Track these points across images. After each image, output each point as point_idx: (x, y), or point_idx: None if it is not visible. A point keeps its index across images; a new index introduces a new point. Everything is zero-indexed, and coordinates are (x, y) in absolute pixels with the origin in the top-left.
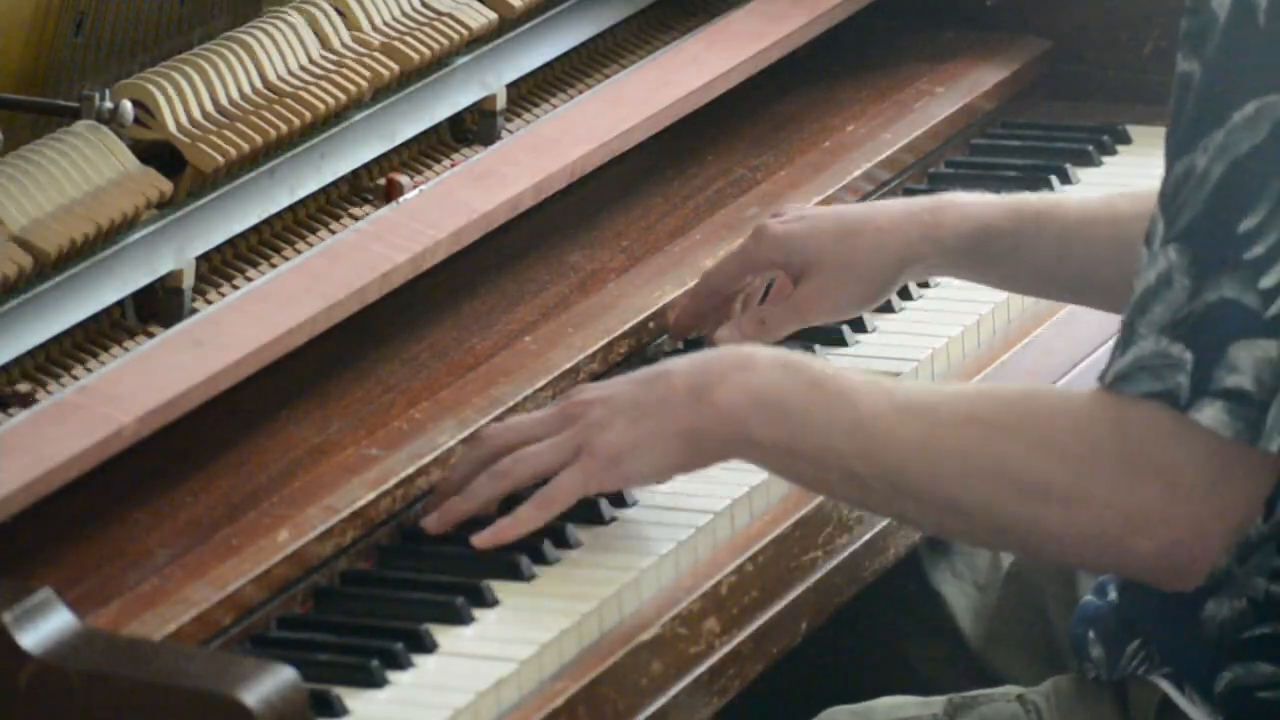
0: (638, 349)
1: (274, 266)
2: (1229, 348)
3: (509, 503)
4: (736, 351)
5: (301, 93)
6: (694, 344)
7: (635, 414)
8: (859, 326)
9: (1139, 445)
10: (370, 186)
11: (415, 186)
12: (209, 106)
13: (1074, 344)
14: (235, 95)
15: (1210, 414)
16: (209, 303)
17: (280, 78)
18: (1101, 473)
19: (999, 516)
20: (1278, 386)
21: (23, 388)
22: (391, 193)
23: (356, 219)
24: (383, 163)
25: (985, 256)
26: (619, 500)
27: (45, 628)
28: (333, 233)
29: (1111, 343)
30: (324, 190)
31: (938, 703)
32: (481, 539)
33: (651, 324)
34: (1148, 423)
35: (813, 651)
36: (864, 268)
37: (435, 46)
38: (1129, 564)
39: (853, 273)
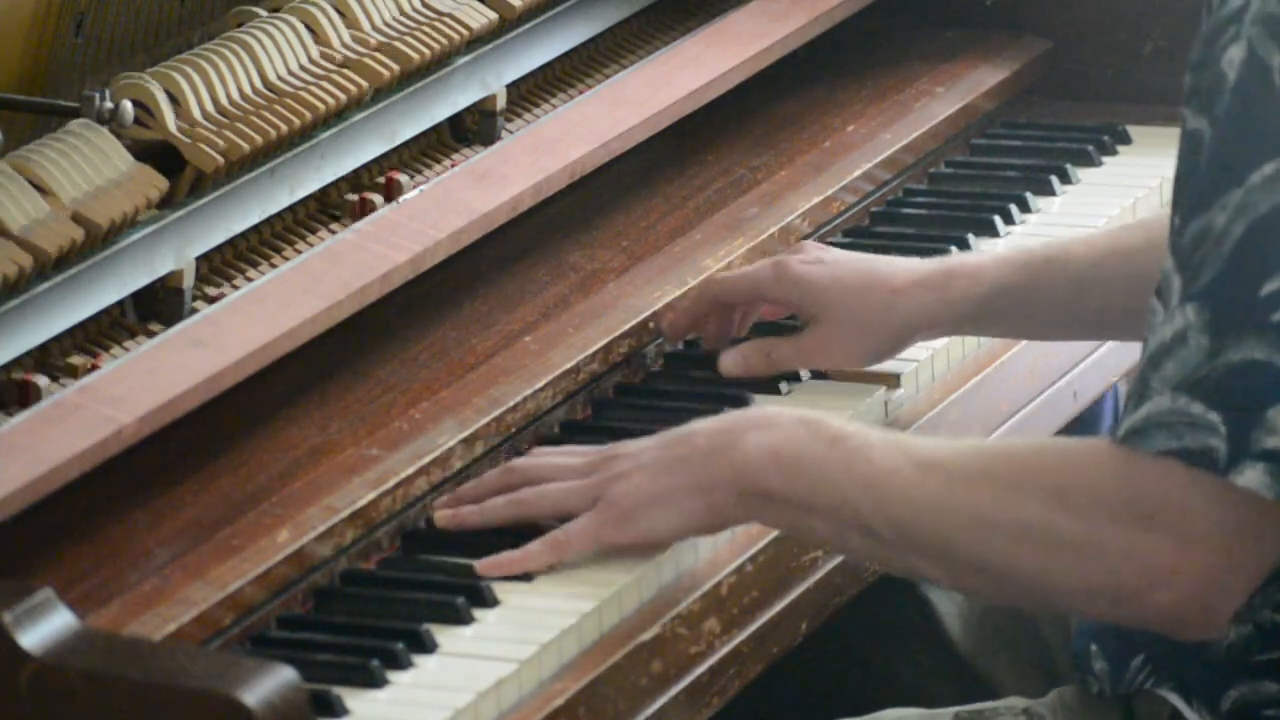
0: (638, 349)
1: (274, 266)
2: (1267, 411)
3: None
4: (761, 412)
5: (301, 93)
6: (691, 344)
7: (655, 470)
8: None
9: (1153, 499)
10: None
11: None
12: (209, 106)
13: (1074, 345)
14: (235, 95)
15: (1251, 476)
16: (209, 303)
17: (280, 78)
18: (1115, 525)
19: (1014, 571)
20: None
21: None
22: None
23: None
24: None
25: (998, 314)
26: None
27: (45, 628)
28: (332, 233)
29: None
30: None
31: (943, 715)
32: (485, 566)
33: (651, 324)
34: (1162, 478)
35: (801, 662)
36: (875, 327)
37: (435, 46)
38: (1147, 616)
39: (863, 330)
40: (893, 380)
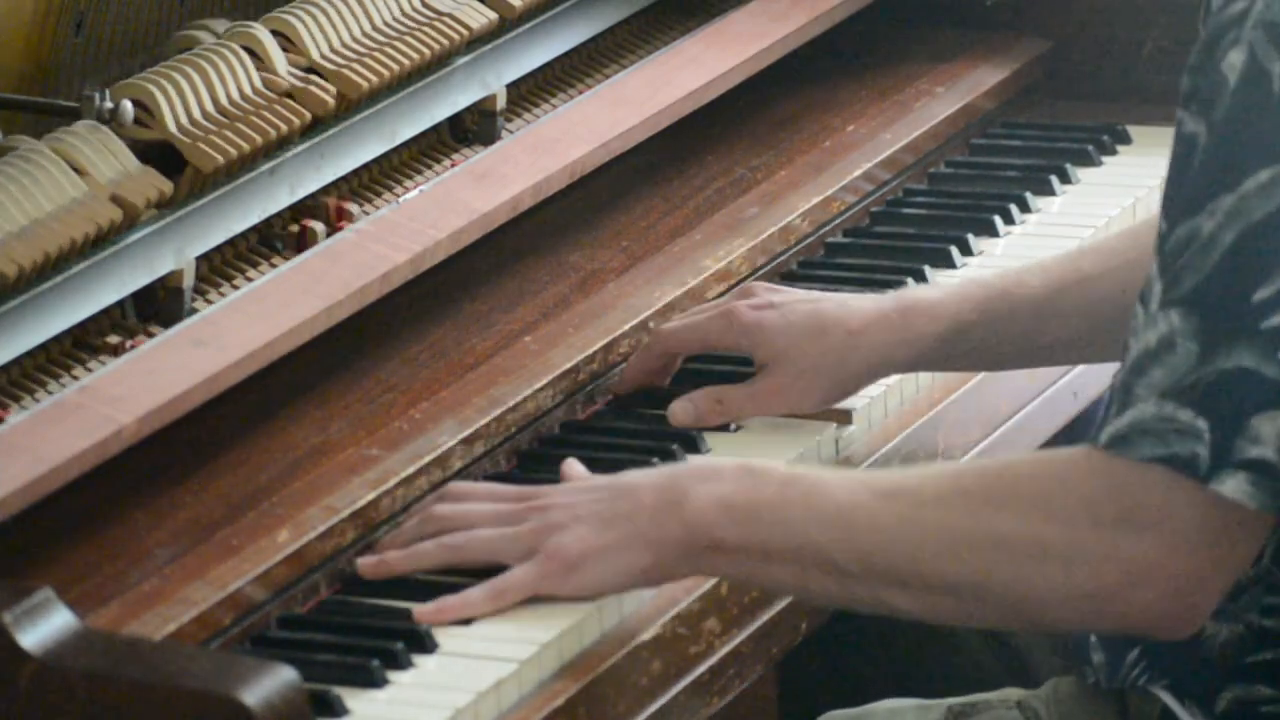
0: (637, 349)
1: (274, 266)
2: (1250, 419)
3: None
4: (702, 464)
5: (301, 93)
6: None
7: (599, 524)
8: None
9: (1136, 502)
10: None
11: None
12: (209, 106)
13: None
14: (235, 95)
15: (1233, 485)
16: (209, 303)
17: (280, 78)
18: (1098, 528)
19: (993, 588)
20: None
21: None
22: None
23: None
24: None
25: (957, 352)
26: None
27: (45, 628)
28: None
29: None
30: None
31: (937, 707)
32: (424, 613)
33: (651, 324)
34: (1146, 483)
35: (807, 655)
36: (833, 370)
37: (435, 46)
38: (1129, 617)
39: (821, 374)
40: (844, 416)
